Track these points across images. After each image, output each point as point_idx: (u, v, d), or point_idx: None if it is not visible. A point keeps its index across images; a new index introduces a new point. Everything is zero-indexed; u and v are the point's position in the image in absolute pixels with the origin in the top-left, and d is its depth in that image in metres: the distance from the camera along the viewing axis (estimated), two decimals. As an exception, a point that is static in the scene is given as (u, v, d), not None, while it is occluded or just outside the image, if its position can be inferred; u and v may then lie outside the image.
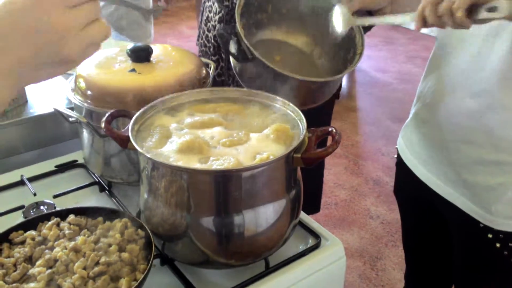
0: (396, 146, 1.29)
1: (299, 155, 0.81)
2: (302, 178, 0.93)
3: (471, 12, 0.83)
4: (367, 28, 1.17)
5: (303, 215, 1.00)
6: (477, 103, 0.99)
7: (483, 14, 0.83)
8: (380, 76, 4.43)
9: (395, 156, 1.31)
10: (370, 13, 1.19)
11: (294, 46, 1.32)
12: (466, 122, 1.02)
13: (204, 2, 1.64)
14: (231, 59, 1.18)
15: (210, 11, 1.59)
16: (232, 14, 1.22)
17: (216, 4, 1.55)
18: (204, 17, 1.63)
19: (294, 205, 0.88)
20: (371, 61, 4.69)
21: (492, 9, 0.82)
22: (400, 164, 1.27)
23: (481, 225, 1.06)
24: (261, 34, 1.28)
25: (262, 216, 0.82)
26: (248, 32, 1.11)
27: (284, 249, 0.91)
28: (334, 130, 0.85)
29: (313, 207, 1.86)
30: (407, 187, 1.27)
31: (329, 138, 0.86)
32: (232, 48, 1.14)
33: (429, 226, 1.30)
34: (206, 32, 1.61)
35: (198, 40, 1.71)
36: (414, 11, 0.90)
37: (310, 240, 0.97)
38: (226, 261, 0.85)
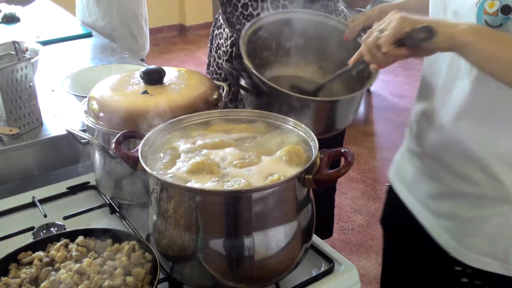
0: (389, 173, 1.26)
1: (310, 176, 0.80)
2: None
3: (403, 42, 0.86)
4: None
5: (315, 239, 0.98)
6: (455, 135, 0.97)
7: (413, 40, 0.85)
8: (398, 101, 4.39)
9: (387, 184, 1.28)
10: None
11: (304, 78, 1.31)
12: (447, 154, 1.00)
13: (213, 31, 1.65)
14: (242, 92, 1.17)
15: (220, 38, 1.59)
16: None
17: (226, 30, 1.55)
18: (215, 45, 1.63)
19: (306, 228, 0.86)
20: (389, 86, 4.65)
21: (421, 33, 0.83)
22: (390, 191, 1.24)
23: (450, 256, 1.03)
24: (269, 73, 1.28)
25: (273, 239, 0.80)
26: (256, 72, 1.11)
27: (296, 274, 0.89)
28: (347, 151, 0.84)
29: (325, 231, 1.83)
30: (395, 216, 1.23)
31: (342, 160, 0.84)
32: (244, 83, 1.13)
33: (410, 259, 1.24)
34: (217, 59, 1.62)
35: (208, 68, 1.71)
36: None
37: (323, 265, 0.94)
38: (236, 285, 0.83)
